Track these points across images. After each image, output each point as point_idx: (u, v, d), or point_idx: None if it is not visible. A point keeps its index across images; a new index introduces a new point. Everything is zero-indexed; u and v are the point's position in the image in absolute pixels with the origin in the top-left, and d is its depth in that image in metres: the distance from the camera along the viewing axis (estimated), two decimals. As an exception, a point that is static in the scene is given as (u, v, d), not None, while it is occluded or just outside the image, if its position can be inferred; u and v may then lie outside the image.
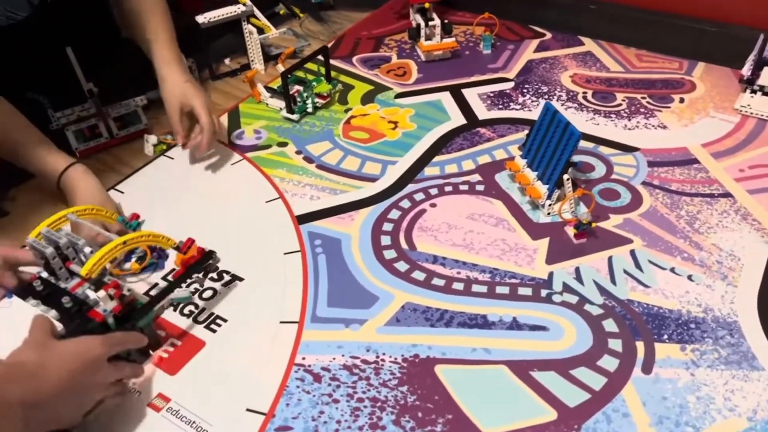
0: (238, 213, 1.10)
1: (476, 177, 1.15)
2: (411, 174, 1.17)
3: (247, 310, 0.93)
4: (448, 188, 1.13)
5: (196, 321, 0.92)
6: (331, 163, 1.20)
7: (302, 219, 1.08)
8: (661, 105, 1.29)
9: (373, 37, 1.59)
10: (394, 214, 1.09)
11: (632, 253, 0.99)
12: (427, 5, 1.47)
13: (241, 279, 0.98)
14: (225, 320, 0.92)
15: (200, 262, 0.89)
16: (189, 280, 0.91)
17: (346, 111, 1.34)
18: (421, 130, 1.27)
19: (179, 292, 0.85)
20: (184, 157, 1.23)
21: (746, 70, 1.25)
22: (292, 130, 1.29)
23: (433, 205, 1.10)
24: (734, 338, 0.86)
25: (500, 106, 1.32)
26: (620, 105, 1.30)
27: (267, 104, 1.36)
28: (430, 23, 1.46)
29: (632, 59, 1.44)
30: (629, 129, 1.24)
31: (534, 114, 1.28)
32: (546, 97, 1.33)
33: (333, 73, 1.42)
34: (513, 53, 1.48)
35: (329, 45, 1.56)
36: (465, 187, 1.13)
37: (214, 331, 0.90)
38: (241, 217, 1.09)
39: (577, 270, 0.96)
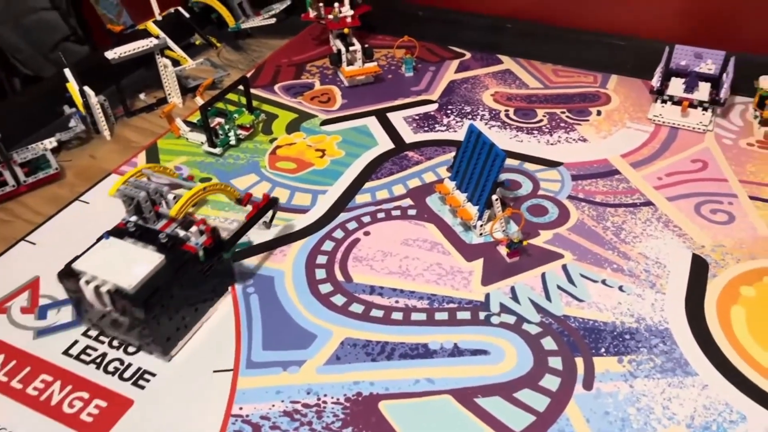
0: (163, 257, 1.04)
1: (407, 201, 1.14)
2: (342, 202, 1.15)
3: (176, 362, 0.88)
4: (380, 215, 1.12)
5: (122, 378, 0.86)
6: (259, 197, 1.16)
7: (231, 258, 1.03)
8: (580, 118, 1.33)
9: (293, 64, 1.57)
10: (328, 245, 1.06)
11: (564, 267, 1.00)
12: (346, 31, 1.46)
13: (169, 328, 0.92)
14: (153, 374, 0.86)
15: (266, 206, 1.01)
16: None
17: (271, 141, 1.31)
18: (350, 157, 1.26)
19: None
20: (100, 201, 1.17)
21: (655, 82, 1.31)
22: (216, 165, 1.24)
23: (366, 233, 1.08)
24: (667, 345, 0.88)
25: (426, 129, 1.32)
26: (541, 121, 1.33)
27: (187, 139, 1.31)
28: (351, 48, 1.45)
29: (549, 75, 1.48)
30: (552, 144, 1.26)
31: (459, 134, 1.29)
32: (470, 116, 1.35)
33: (255, 103, 1.39)
34: (435, 75, 1.50)
35: (249, 74, 1.53)
36: (397, 213, 1.12)
37: (142, 387, 0.85)
38: (166, 260, 1.04)
39: (513, 289, 0.97)
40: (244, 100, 1.35)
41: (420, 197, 1.15)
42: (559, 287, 0.97)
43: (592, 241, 1.04)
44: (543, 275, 0.99)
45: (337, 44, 1.49)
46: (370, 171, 1.22)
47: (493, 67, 1.52)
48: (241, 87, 1.32)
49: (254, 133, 1.33)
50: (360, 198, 1.16)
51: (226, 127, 1.28)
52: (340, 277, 1.00)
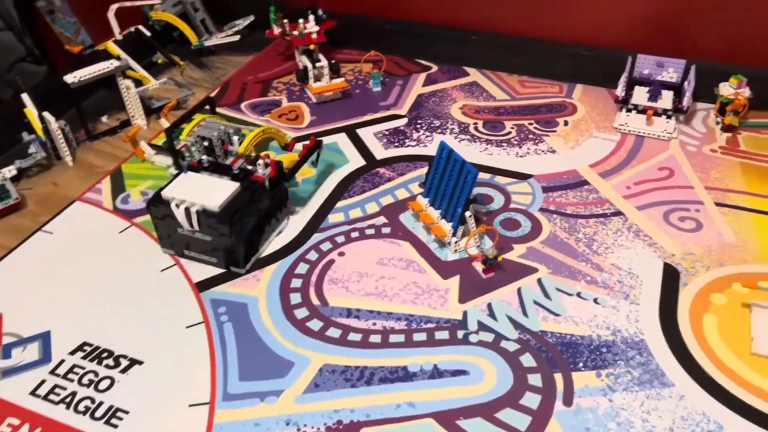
0: (131, 286, 1.01)
1: (381, 219, 1.14)
2: (315, 223, 1.13)
3: (150, 397, 0.85)
4: (354, 234, 1.11)
5: (93, 417, 0.83)
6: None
7: (203, 285, 1.01)
8: (548, 129, 1.34)
9: (260, 81, 1.55)
10: (302, 268, 1.05)
11: (539, 282, 1.00)
12: (312, 47, 1.45)
13: (140, 362, 0.90)
14: (126, 412, 0.84)
15: (314, 147, 1.18)
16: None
17: (240, 162, 1.29)
18: (321, 175, 1.24)
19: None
20: (64, 231, 1.13)
21: (620, 91, 1.33)
22: (184, 188, 1.22)
23: (341, 254, 1.07)
24: (643, 357, 0.89)
25: (396, 144, 1.32)
26: (510, 133, 1.34)
27: (153, 162, 1.28)
28: (318, 64, 1.44)
29: (516, 86, 1.49)
30: (521, 156, 1.27)
31: (429, 149, 1.29)
32: (439, 131, 1.35)
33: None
34: (402, 89, 1.49)
35: (214, 92, 1.51)
36: (371, 231, 1.11)
37: (115, 426, 0.82)
38: (134, 290, 1.01)
39: (490, 306, 0.97)
40: (210, 121, 1.33)
41: (393, 214, 1.15)
42: (535, 302, 0.97)
43: (565, 254, 1.05)
44: (519, 290, 0.99)
45: (303, 60, 1.47)
46: (343, 189, 1.21)
47: (460, 79, 1.52)
48: (207, 107, 1.30)
49: (222, 153, 1.31)
50: (333, 217, 1.14)
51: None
52: (315, 300, 0.99)
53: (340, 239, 1.10)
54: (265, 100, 1.48)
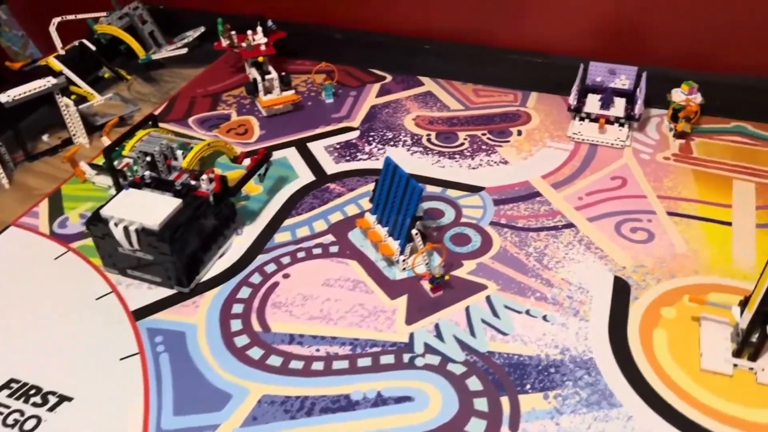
0: (64, 316, 0.97)
1: (329, 238, 1.10)
2: (260, 243, 1.10)
3: (78, 437, 0.81)
4: (300, 254, 1.07)
5: (17, 460, 0.79)
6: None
7: (139, 314, 0.97)
8: (501, 140, 1.32)
9: (209, 95, 1.51)
10: (245, 292, 1.01)
11: (488, 299, 0.98)
12: (261, 59, 1.41)
13: (69, 399, 0.86)
14: (52, 454, 0.80)
15: (263, 160, 1.15)
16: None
17: (186, 180, 1.25)
18: (269, 193, 1.21)
19: None
20: (-3, 257, 1.08)
21: (572, 99, 1.31)
22: (125, 210, 1.17)
23: (286, 276, 1.04)
24: (592, 376, 0.86)
25: (348, 158, 1.29)
26: (463, 144, 1.31)
27: (94, 183, 1.23)
28: (268, 77, 1.41)
29: (470, 95, 1.47)
30: (473, 168, 1.25)
31: (381, 163, 1.26)
32: (392, 143, 1.32)
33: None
34: (356, 100, 1.46)
35: (162, 107, 1.46)
36: (318, 251, 1.08)
37: (39, 469, 0.78)
38: (67, 321, 0.96)
39: (437, 327, 0.94)
40: (154, 138, 1.28)
41: (342, 232, 1.11)
42: (483, 321, 0.95)
43: (515, 269, 1.03)
44: (467, 309, 0.96)
45: (252, 73, 1.44)
46: (291, 206, 1.17)
47: (415, 89, 1.49)
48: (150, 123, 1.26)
49: (167, 172, 1.27)
50: (279, 237, 1.11)
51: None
52: (257, 326, 0.95)
53: (286, 260, 1.06)
54: (214, 114, 1.44)
